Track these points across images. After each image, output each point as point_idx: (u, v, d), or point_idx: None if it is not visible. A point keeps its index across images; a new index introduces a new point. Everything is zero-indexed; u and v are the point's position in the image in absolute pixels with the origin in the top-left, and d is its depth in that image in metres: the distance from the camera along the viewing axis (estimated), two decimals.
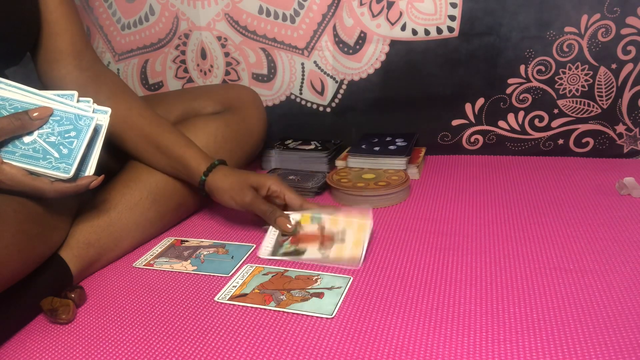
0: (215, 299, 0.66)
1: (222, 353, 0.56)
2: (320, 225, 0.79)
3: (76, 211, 0.76)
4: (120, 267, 0.76)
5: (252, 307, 0.63)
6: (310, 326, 0.59)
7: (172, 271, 0.74)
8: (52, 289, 0.65)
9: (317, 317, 0.61)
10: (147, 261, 0.77)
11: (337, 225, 0.78)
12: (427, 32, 1.07)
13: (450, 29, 1.06)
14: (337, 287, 0.66)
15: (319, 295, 0.65)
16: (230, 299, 0.65)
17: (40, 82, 0.82)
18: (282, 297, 0.65)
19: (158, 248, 0.81)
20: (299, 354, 0.55)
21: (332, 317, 0.60)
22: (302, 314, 0.61)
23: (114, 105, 0.72)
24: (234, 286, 0.68)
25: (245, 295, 0.66)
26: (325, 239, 0.77)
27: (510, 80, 1.08)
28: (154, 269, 0.75)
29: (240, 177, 0.80)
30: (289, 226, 0.78)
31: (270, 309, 0.63)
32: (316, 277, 0.69)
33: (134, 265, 0.76)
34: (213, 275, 0.72)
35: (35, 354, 0.57)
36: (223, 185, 0.80)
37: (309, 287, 0.67)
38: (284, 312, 0.62)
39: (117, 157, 0.86)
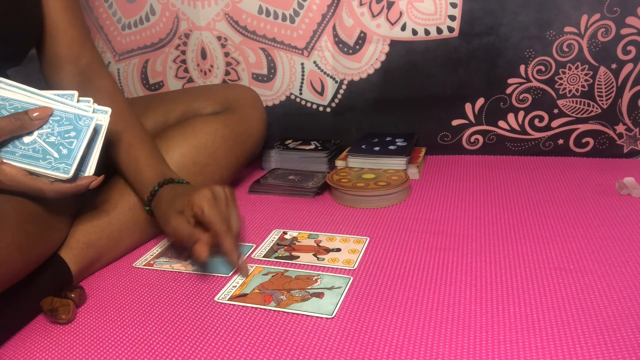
0: (215, 299, 0.66)
1: (222, 353, 0.56)
2: (316, 241, 0.80)
3: (76, 211, 0.76)
4: (120, 267, 0.76)
5: (252, 307, 0.64)
6: (310, 326, 0.59)
7: (172, 271, 0.74)
8: (52, 289, 0.65)
9: (317, 317, 0.61)
10: (147, 261, 0.77)
11: (333, 242, 0.79)
12: (427, 32, 1.07)
13: (450, 29, 1.06)
14: (337, 287, 0.66)
15: (319, 295, 0.65)
16: (230, 299, 0.65)
17: (46, 85, 0.82)
18: (282, 297, 0.65)
19: (158, 248, 0.81)
20: (299, 354, 0.55)
21: (332, 317, 0.60)
22: (302, 314, 0.61)
23: (113, 102, 0.73)
24: (234, 286, 0.68)
25: (245, 295, 0.66)
26: (320, 250, 0.77)
27: (510, 80, 1.08)
28: (154, 269, 0.75)
29: (169, 202, 0.71)
30: (203, 256, 0.65)
31: (270, 309, 0.63)
32: (316, 277, 0.69)
33: (134, 265, 0.76)
34: (213, 275, 0.72)
35: (35, 354, 0.57)
36: (157, 213, 0.73)
37: (309, 287, 0.67)
38: (284, 312, 0.62)
39: None
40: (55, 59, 0.81)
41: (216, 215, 0.67)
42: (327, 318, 0.60)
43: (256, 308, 0.63)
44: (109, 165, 0.81)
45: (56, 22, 0.80)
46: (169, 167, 0.79)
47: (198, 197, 0.67)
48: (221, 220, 0.67)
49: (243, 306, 0.64)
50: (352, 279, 0.68)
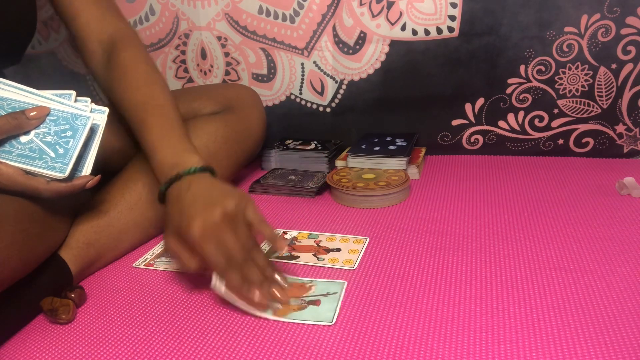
0: (212, 285, 0.62)
1: (222, 353, 0.56)
2: (316, 241, 0.80)
3: (76, 211, 0.76)
4: (120, 267, 0.76)
5: (251, 312, 0.62)
6: (311, 335, 0.58)
7: (172, 271, 0.74)
8: (52, 289, 0.65)
9: (317, 325, 0.59)
10: (147, 261, 0.77)
11: (333, 242, 0.79)
12: (427, 32, 1.07)
13: (450, 29, 1.06)
14: (333, 293, 0.65)
15: (316, 302, 0.63)
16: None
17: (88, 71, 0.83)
18: (277, 305, 0.63)
19: (158, 248, 0.81)
20: None
21: (333, 324, 0.59)
22: (302, 323, 0.60)
23: (123, 77, 0.74)
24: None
25: None
26: (320, 250, 0.77)
27: (510, 80, 1.08)
28: (154, 269, 0.75)
29: (167, 218, 0.64)
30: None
31: (269, 318, 0.61)
32: (310, 285, 0.67)
33: (134, 265, 0.76)
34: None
35: (35, 354, 0.57)
36: (167, 210, 0.66)
37: (305, 295, 0.65)
38: (283, 321, 0.60)
39: (117, 156, 0.86)
40: (79, 40, 0.80)
41: (208, 252, 0.60)
42: (327, 325, 0.59)
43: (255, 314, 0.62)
44: (109, 166, 0.81)
45: (73, 2, 0.78)
46: (186, 147, 0.70)
47: (188, 231, 0.60)
48: (218, 256, 0.60)
49: (242, 308, 0.62)
50: (346, 283, 0.67)
